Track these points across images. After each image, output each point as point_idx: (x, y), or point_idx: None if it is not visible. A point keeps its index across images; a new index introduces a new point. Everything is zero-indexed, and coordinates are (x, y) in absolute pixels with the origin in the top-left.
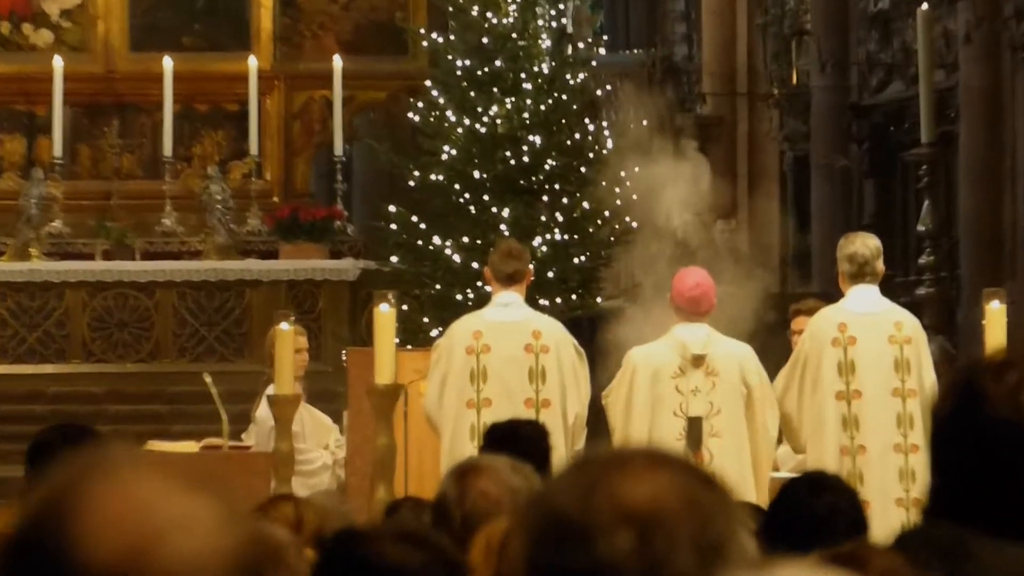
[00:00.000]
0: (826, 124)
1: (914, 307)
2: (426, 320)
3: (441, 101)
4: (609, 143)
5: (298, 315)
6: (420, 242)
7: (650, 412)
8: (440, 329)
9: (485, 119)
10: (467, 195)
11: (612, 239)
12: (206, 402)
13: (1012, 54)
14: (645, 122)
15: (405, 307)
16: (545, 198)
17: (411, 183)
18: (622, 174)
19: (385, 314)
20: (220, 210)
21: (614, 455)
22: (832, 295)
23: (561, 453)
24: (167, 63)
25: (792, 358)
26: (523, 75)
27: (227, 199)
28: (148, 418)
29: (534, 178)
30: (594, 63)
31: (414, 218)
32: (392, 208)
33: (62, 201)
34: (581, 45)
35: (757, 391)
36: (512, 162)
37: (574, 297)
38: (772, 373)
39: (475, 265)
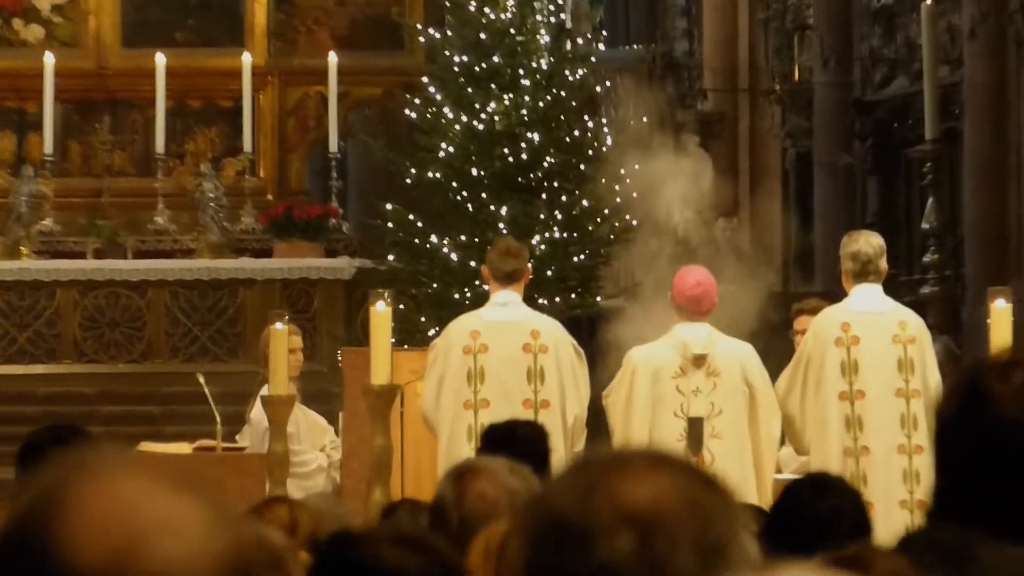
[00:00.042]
0: (829, 120)
1: (918, 306)
2: (423, 320)
3: (438, 97)
4: (608, 140)
5: (293, 314)
6: (417, 240)
7: (650, 413)
8: (437, 329)
9: (483, 116)
10: (464, 193)
11: (612, 237)
12: (199, 403)
13: (1017, 49)
14: (645, 119)
15: (401, 306)
16: (544, 196)
17: (407, 180)
18: (622, 171)
19: (381, 313)
20: (213, 208)
21: (614, 456)
22: (835, 294)
23: (560, 455)
24: (159, 59)
25: (795, 358)
26: (521, 71)
27: (220, 197)
28: (141, 419)
29: (532, 175)
30: (593, 59)
31: (411, 216)
32: (388, 206)
33: (53, 199)
34: (580, 41)
35: (759, 391)
36: (510, 159)
37: (573, 296)
38: (774, 373)
39: (473, 264)
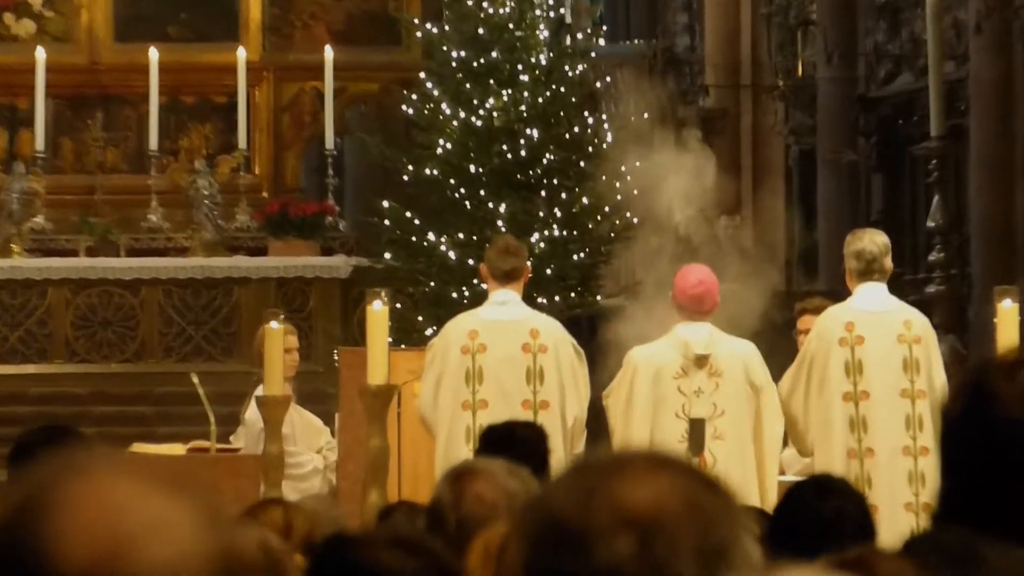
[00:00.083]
0: (833, 117)
1: (923, 305)
2: (420, 319)
3: (436, 93)
4: (609, 136)
5: (288, 314)
6: (414, 238)
7: (651, 414)
8: (435, 328)
9: (481, 112)
10: (463, 190)
11: (612, 235)
12: (193, 403)
13: None
14: (646, 115)
15: (399, 305)
16: (543, 193)
17: (405, 178)
18: (622, 168)
19: (378, 312)
20: (207, 205)
21: (614, 458)
22: (839, 293)
23: (560, 456)
24: (153, 54)
25: (798, 358)
26: (520, 66)
27: (215, 194)
28: (133, 420)
29: (532, 172)
30: (593, 54)
31: (408, 214)
32: (385, 203)
33: (44, 196)
34: (580, 36)
35: (762, 391)
36: (509, 156)
37: (573, 295)
38: (777, 374)
39: (471, 262)
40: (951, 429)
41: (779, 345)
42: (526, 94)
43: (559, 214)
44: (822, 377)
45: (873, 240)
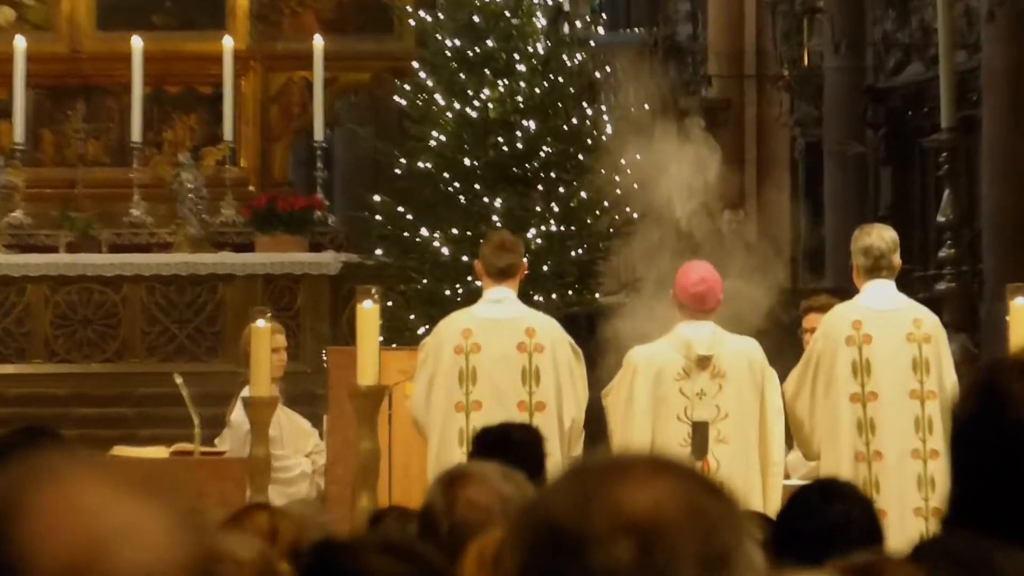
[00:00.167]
0: (840, 108)
1: (933, 303)
2: (412, 317)
3: (429, 83)
4: (608, 128)
5: (275, 312)
6: (406, 234)
7: (652, 416)
8: (427, 327)
9: (476, 103)
10: (456, 184)
11: (611, 230)
12: (177, 405)
13: None
14: (646, 106)
15: (390, 303)
16: (540, 187)
17: (397, 171)
18: (622, 161)
19: (368, 311)
20: (192, 199)
21: (613, 461)
22: (846, 291)
23: (556, 459)
24: (136, 43)
25: (804, 358)
26: (516, 56)
27: (200, 188)
28: (115, 422)
29: (528, 166)
30: (592, 43)
31: (400, 208)
32: (376, 198)
33: (23, 190)
34: (578, 24)
35: (765, 390)
36: (505, 149)
37: (571, 293)
38: (783, 374)
39: (465, 258)
40: (961, 431)
41: (784, 344)
42: (522, 84)
43: (556, 209)
44: (828, 378)
45: (881, 235)
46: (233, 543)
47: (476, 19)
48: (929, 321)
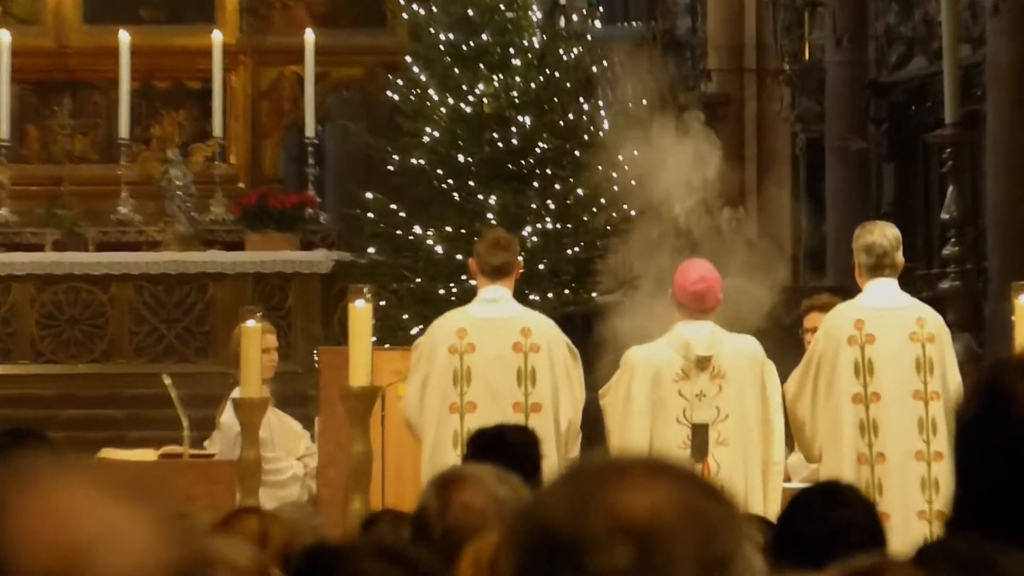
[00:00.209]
0: (842, 103)
1: (937, 302)
2: (405, 317)
3: (423, 78)
4: (605, 124)
5: (266, 311)
6: (399, 232)
7: (651, 418)
8: (421, 327)
9: (471, 98)
10: (451, 180)
11: (608, 228)
12: (165, 406)
13: None
14: (644, 101)
15: (383, 303)
16: (536, 184)
17: (390, 167)
18: (619, 157)
19: (361, 310)
20: (181, 197)
21: (610, 464)
22: (848, 289)
23: (552, 462)
24: (123, 37)
25: (805, 358)
26: (512, 50)
27: (188, 185)
28: (102, 424)
29: (524, 162)
30: (589, 37)
31: (393, 206)
32: (369, 195)
33: (8, 187)
34: (575, 17)
35: (768, 379)
36: (500, 145)
37: (567, 291)
38: (784, 374)
39: (459, 257)
40: (965, 432)
41: (785, 344)
42: (518, 79)
43: (552, 206)
44: (830, 378)
45: (884, 233)
46: (223, 548)
47: (471, 13)
48: (933, 320)
